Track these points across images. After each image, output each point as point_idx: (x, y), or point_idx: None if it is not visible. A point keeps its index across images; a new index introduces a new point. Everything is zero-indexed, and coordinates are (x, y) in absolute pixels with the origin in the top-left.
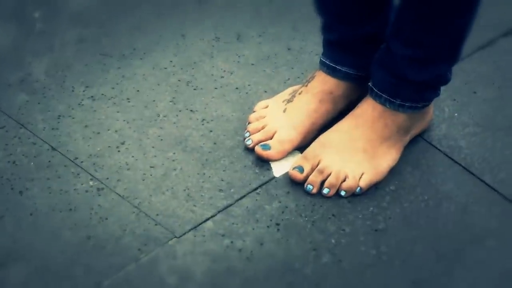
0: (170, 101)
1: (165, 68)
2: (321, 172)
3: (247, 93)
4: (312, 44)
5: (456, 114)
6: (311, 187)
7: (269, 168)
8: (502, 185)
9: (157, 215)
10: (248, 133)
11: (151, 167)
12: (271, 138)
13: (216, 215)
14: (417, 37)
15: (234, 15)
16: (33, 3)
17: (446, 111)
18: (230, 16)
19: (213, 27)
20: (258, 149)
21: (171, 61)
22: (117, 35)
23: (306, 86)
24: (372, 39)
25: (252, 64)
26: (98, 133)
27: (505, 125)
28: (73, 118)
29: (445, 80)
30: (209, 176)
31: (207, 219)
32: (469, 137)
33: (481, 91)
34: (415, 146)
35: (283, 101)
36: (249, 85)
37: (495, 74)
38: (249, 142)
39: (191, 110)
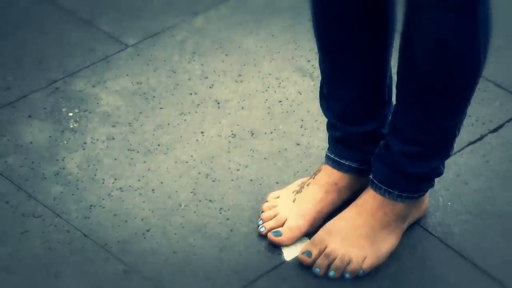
0: (191, 192)
1: (186, 162)
2: (327, 256)
3: (260, 184)
4: (319, 140)
5: (449, 203)
6: (318, 270)
7: (281, 253)
8: (492, 268)
9: None
10: (261, 221)
11: (173, 252)
12: (282, 226)
13: None
14: (412, 135)
15: (248, 115)
16: (67, 104)
17: (440, 201)
18: (245, 116)
19: (230, 125)
20: (270, 235)
21: (191, 156)
22: (143, 132)
23: (314, 178)
24: (372, 136)
25: (265, 158)
26: (126, 221)
27: (495, 214)
28: (103, 207)
29: (439, 173)
30: (226, 260)
31: None
32: (462, 224)
33: (472, 182)
34: (412, 232)
35: (293, 192)
36: (262, 177)
37: (484, 167)
38: (262, 229)
39: (210, 200)
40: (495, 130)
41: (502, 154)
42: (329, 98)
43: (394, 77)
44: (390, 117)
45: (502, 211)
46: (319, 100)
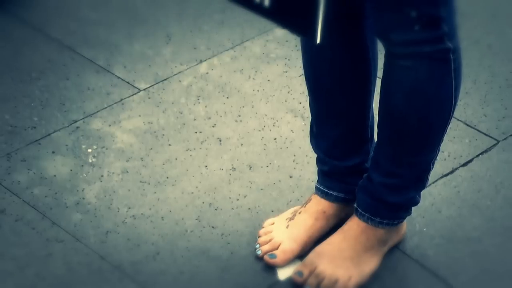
0: (196, 219)
1: (192, 192)
2: (317, 276)
3: (257, 212)
4: (309, 173)
5: (424, 229)
6: None
7: (275, 273)
8: (463, 286)
9: None
10: (258, 245)
11: (180, 272)
12: (276, 249)
13: None
14: (392, 169)
15: (247, 151)
16: (87, 142)
17: (416, 226)
18: (244, 152)
19: (230, 159)
20: (266, 257)
21: (196, 187)
22: (153, 166)
23: (305, 207)
24: (356, 170)
25: (261, 189)
26: (138, 245)
27: (464, 238)
28: (118, 233)
29: (415, 202)
30: (227, 280)
31: None
32: (436, 247)
33: (444, 210)
34: (392, 254)
35: (286, 219)
36: (259, 206)
37: (455, 197)
38: (259, 252)
39: (213, 227)
40: (465, 164)
41: (471, 185)
42: (318, 136)
43: (375, 117)
44: (372, 153)
45: (471, 236)
46: (309, 137)
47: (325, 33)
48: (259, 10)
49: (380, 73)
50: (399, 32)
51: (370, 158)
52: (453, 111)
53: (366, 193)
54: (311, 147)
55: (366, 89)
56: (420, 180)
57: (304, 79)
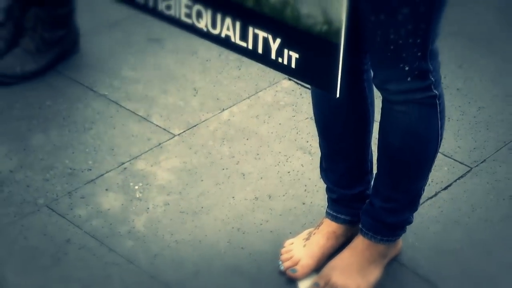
0: (227, 242)
1: (223, 219)
2: (331, 286)
3: (278, 234)
4: (319, 200)
5: (416, 243)
6: None
7: (296, 285)
8: None
9: None
10: (281, 261)
11: (217, 286)
12: (296, 265)
13: None
14: (389, 195)
15: (266, 183)
16: (134, 180)
17: (410, 241)
18: (263, 184)
19: (253, 191)
20: (288, 272)
21: (226, 215)
22: (189, 199)
23: (318, 228)
24: (360, 197)
25: (280, 215)
26: (181, 265)
27: (450, 250)
28: (164, 256)
29: (409, 222)
30: None
31: None
32: (427, 258)
33: (431, 227)
34: (391, 266)
35: (303, 239)
36: (279, 229)
37: (440, 216)
38: (282, 268)
39: (242, 248)
40: (445, 188)
41: (452, 206)
42: (327, 170)
43: (374, 153)
44: (372, 182)
45: (454, 248)
46: (319, 170)
47: (343, 88)
48: (285, 69)
49: (377, 116)
50: (395, 83)
51: (371, 187)
52: (439, 146)
53: (369, 216)
54: (319, 178)
55: (367, 130)
56: (413, 204)
57: (309, 122)
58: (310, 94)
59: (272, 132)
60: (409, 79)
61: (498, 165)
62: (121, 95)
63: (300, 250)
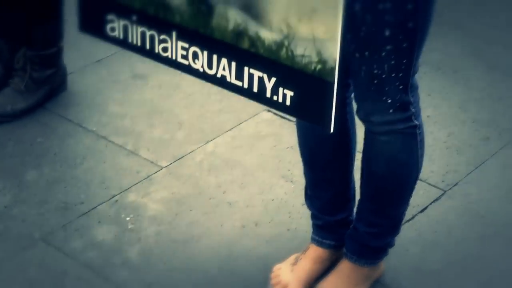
0: (219, 269)
1: (212, 247)
2: None
3: (266, 260)
4: (303, 225)
5: (397, 265)
6: None
7: None
8: None
9: None
10: (270, 286)
11: None
12: None
13: None
14: (373, 221)
15: (252, 211)
16: (125, 212)
17: (391, 263)
18: (250, 212)
19: (239, 219)
20: None
21: (216, 243)
22: (180, 228)
23: (304, 254)
24: (344, 222)
25: (267, 241)
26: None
27: (428, 270)
28: (159, 284)
29: (391, 245)
30: None
31: None
32: (407, 279)
33: (411, 249)
34: (374, 287)
35: (291, 264)
36: (267, 254)
37: (417, 237)
38: None
39: (233, 273)
40: (422, 211)
41: (429, 228)
42: (312, 197)
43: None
44: (356, 208)
45: (433, 268)
46: (304, 198)
47: (336, 122)
48: (280, 107)
49: (359, 146)
50: (378, 115)
51: (353, 213)
52: (419, 173)
53: (353, 240)
54: (302, 204)
55: (350, 160)
56: (395, 228)
57: (290, 151)
58: (290, 125)
59: (255, 162)
60: (391, 111)
61: (470, 187)
62: (109, 130)
63: (288, 275)
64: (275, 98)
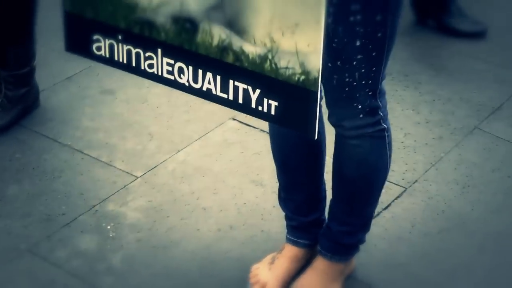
0: (198, 271)
1: (192, 251)
2: None
3: (243, 260)
4: (275, 227)
5: (367, 260)
6: None
7: None
8: None
9: None
10: (249, 285)
11: None
12: (264, 287)
13: None
14: (345, 220)
15: (226, 215)
16: (105, 221)
17: (361, 258)
18: (224, 216)
19: (215, 223)
20: None
21: (194, 246)
22: (159, 234)
23: (280, 253)
24: (317, 222)
25: (243, 243)
26: None
27: (397, 264)
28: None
29: (363, 241)
30: None
31: None
32: (378, 274)
33: (379, 244)
34: (348, 281)
35: (268, 264)
36: (243, 256)
37: (384, 233)
38: None
39: (211, 275)
40: (386, 208)
41: (393, 223)
42: (286, 200)
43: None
44: (328, 208)
45: (401, 261)
46: (278, 200)
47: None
48: (265, 116)
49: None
50: (349, 120)
51: (325, 212)
52: (388, 173)
53: (327, 239)
54: (272, 207)
55: (320, 163)
56: (366, 225)
57: (257, 157)
58: (256, 132)
59: (225, 168)
60: (361, 115)
61: (429, 184)
62: (84, 144)
63: (266, 274)
64: (260, 108)
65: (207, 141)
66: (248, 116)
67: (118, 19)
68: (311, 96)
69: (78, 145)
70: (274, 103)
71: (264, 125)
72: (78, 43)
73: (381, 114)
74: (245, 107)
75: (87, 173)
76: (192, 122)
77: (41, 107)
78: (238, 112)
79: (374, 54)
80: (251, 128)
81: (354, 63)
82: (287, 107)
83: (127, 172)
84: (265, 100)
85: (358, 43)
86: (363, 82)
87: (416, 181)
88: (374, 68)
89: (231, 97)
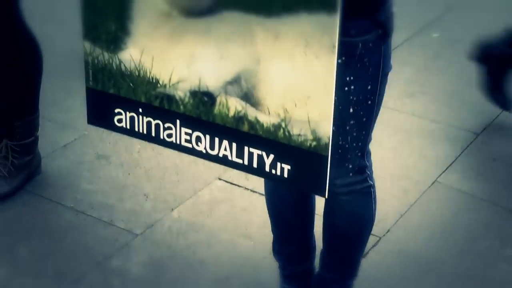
0: None
1: None
2: None
3: None
4: (270, 278)
5: None
6: None
7: None
8: None
9: None
10: None
11: None
12: None
13: None
14: (336, 267)
15: (222, 266)
16: (112, 276)
17: None
18: (221, 267)
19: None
20: None
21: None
22: (164, 287)
23: None
24: (308, 271)
25: None
26: None
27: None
28: None
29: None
30: None
31: None
32: None
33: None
34: None
35: None
36: None
37: (363, 278)
38: None
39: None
40: (364, 256)
41: (371, 270)
42: (279, 250)
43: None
44: (320, 257)
45: None
46: (272, 251)
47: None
48: (278, 179)
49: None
50: (340, 179)
51: (315, 261)
52: (373, 224)
53: (319, 286)
54: (263, 258)
55: (311, 217)
56: (354, 272)
57: (244, 213)
58: (241, 190)
59: (216, 224)
60: (351, 174)
61: (401, 232)
62: (85, 206)
63: None
64: (273, 172)
65: (197, 200)
66: (233, 176)
67: (138, 95)
68: (323, 160)
69: (80, 207)
70: (287, 167)
71: (248, 183)
72: (100, 116)
73: (368, 172)
74: (259, 171)
75: (90, 232)
76: (182, 183)
77: (43, 173)
78: (223, 172)
79: (364, 119)
80: (236, 186)
81: (347, 128)
82: (299, 170)
83: (128, 230)
84: (279, 164)
85: (351, 110)
86: (354, 144)
87: (388, 230)
88: (363, 132)
89: (246, 162)
